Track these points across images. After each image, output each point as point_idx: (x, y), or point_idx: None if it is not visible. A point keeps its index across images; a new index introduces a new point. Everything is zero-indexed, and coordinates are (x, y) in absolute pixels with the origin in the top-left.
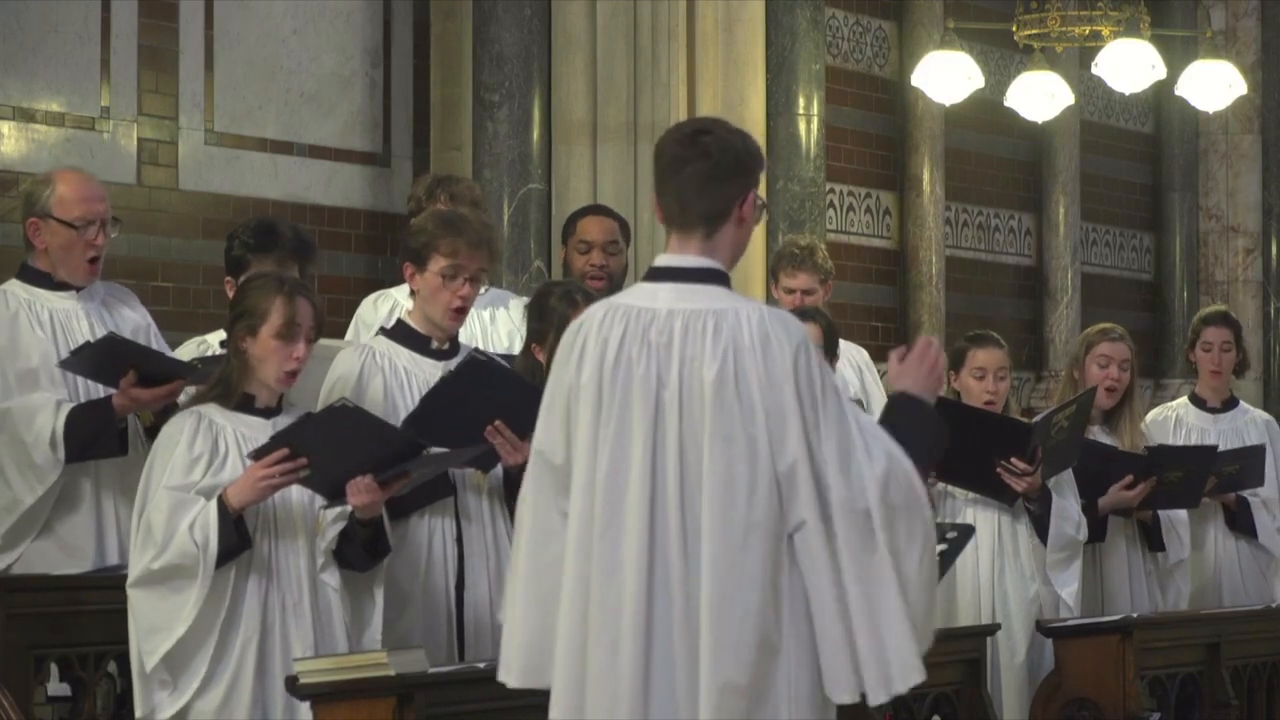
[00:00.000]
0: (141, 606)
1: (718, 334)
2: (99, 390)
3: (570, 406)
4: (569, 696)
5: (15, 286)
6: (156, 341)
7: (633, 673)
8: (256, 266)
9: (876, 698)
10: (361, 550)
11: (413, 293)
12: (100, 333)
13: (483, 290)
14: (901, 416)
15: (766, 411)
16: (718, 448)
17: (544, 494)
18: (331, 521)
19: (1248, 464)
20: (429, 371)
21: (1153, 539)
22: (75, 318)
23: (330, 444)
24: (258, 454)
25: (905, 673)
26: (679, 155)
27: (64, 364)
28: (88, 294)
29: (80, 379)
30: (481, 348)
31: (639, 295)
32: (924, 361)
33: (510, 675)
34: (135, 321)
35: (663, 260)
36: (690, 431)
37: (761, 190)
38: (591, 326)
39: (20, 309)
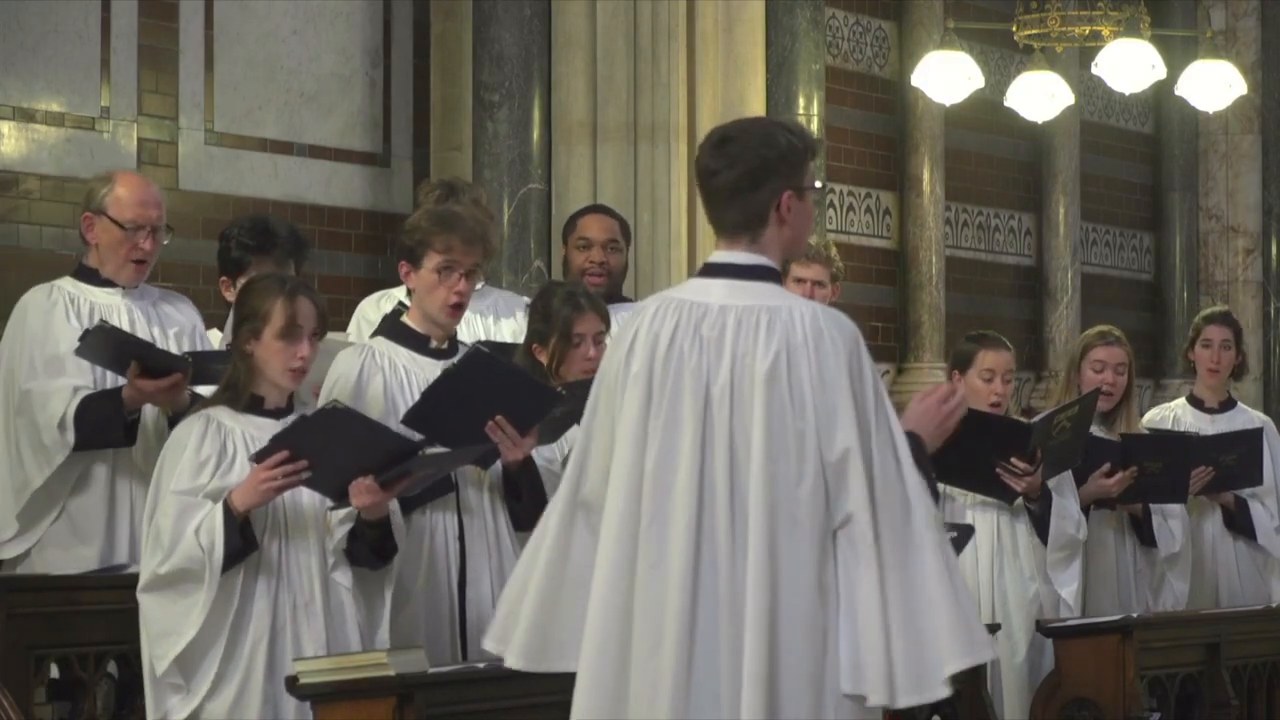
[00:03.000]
0: (151, 611)
1: (771, 329)
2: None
3: (614, 399)
4: (599, 690)
5: (65, 282)
6: (201, 343)
7: (674, 667)
8: (256, 268)
9: (906, 701)
10: (368, 551)
11: (409, 291)
12: (141, 327)
13: (479, 285)
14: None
15: (817, 407)
16: (768, 441)
17: (594, 479)
18: (339, 522)
19: (1245, 454)
20: (428, 370)
21: (1144, 534)
22: (116, 311)
23: (328, 445)
24: (259, 456)
25: (937, 678)
26: (708, 166)
27: (77, 351)
28: (139, 293)
29: (108, 371)
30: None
31: (692, 290)
32: (941, 410)
33: (513, 656)
34: (181, 322)
35: (716, 257)
36: (740, 425)
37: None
38: (644, 320)
39: (61, 299)
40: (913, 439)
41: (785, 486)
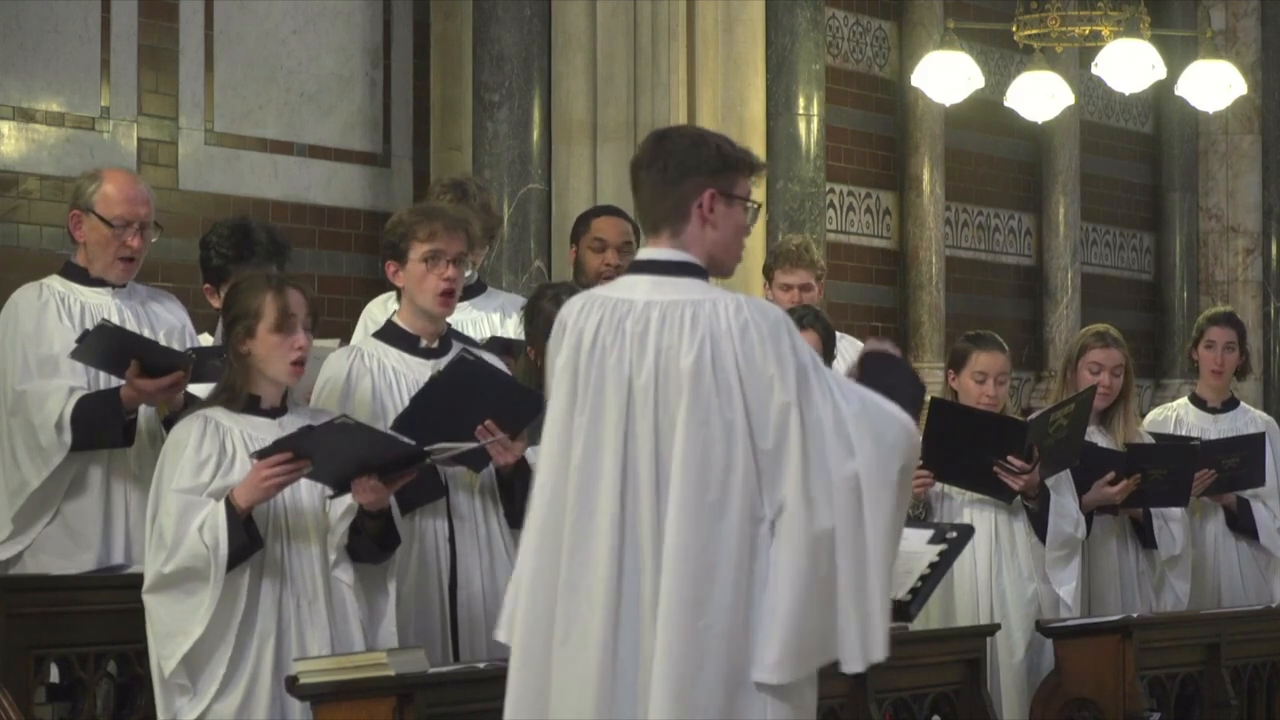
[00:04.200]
0: (157, 612)
1: (695, 323)
2: (119, 384)
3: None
4: (530, 675)
5: (54, 281)
6: (191, 342)
7: (599, 662)
8: (237, 274)
9: (854, 668)
10: (371, 544)
11: (398, 293)
12: (131, 327)
13: (469, 273)
14: (884, 372)
15: (745, 395)
16: (694, 431)
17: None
18: (340, 516)
19: (1248, 456)
20: (418, 371)
21: (1145, 536)
22: (107, 311)
23: (333, 452)
24: (261, 455)
25: (879, 645)
26: (638, 161)
27: (74, 354)
28: (127, 292)
29: (102, 371)
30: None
31: (619, 287)
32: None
33: (502, 632)
34: (170, 322)
35: (643, 254)
36: (665, 419)
37: (760, 194)
38: (570, 316)
39: (51, 299)
40: (889, 355)
41: (713, 479)
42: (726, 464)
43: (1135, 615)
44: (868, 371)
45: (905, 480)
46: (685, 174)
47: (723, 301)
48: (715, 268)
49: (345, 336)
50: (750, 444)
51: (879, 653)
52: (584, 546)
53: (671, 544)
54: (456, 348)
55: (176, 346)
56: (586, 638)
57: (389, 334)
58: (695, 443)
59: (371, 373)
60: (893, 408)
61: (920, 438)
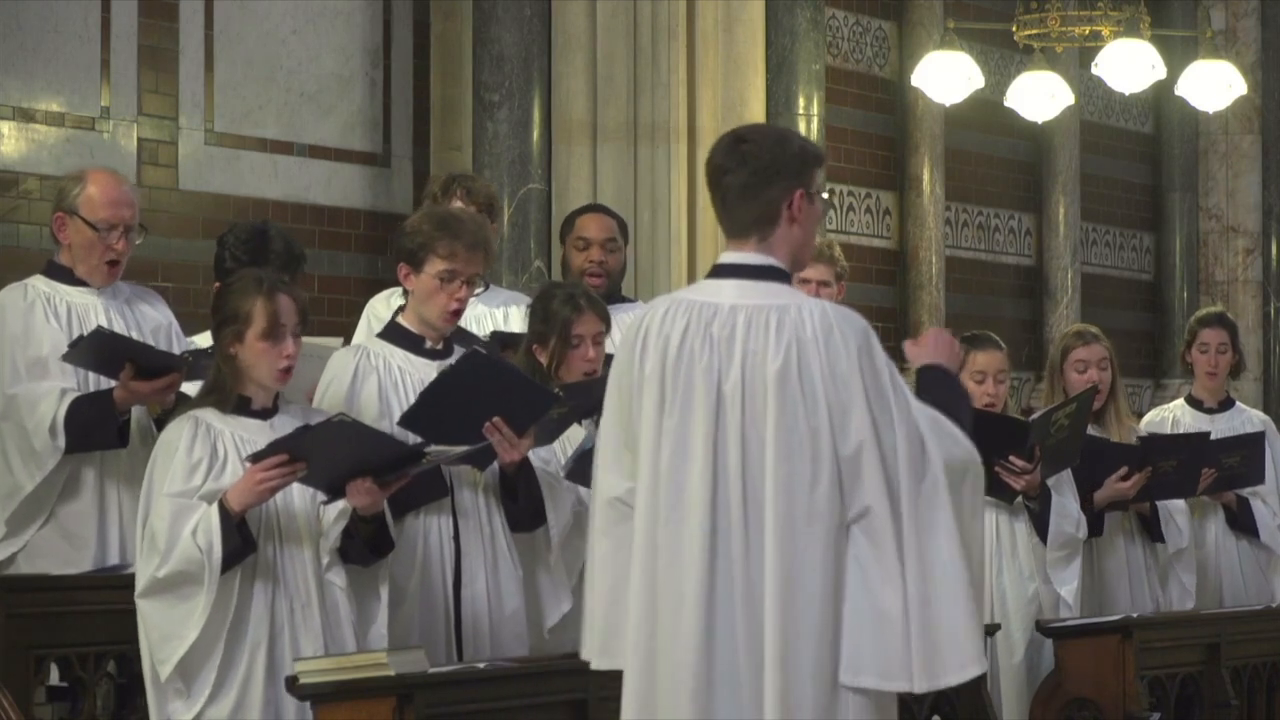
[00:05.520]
0: (151, 616)
1: (780, 328)
2: (109, 382)
3: (633, 400)
4: (641, 681)
5: (38, 281)
6: (178, 341)
7: (695, 660)
8: None
9: (920, 687)
10: (364, 548)
11: (406, 291)
12: (119, 327)
13: (479, 292)
14: (938, 387)
15: (829, 403)
16: (780, 440)
17: (609, 479)
18: (334, 520)
19: (1248, 455)
20: (423, 371)
21: (1152, 530)
22: (94, 311)
23: (330, 453)
24: (255, 458)
25: (962, 664)
26: (720, 165)
27: (65, 357)
28: (111, 291)
29: (92, 373)
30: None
31: (702, 291)
32: (941, 339)
33: (592, 654)
34: (156, 320)
35: (726, 258)
36: (752, 424)
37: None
38: (653, 321)
39: (38, 300)
40: (943, 371)
41: (800, 485)
42: (813, 472)
43: (1135, 615)
44: (924, 386)
45: (972, 498)
46: (773, 178)
47: (807, 307)
48: (795, 264)
49: (346, 336)
50: (834, 450)
51: (956, 673)
52: (674, 547)
53: (769, 554)
54: (458, 351)
55: (163, 345)
56: (679, 635)
57: (393, 334)
58: (783, 451)
59: (378, 371)
60: (956, 429)
61: (980, 459)
